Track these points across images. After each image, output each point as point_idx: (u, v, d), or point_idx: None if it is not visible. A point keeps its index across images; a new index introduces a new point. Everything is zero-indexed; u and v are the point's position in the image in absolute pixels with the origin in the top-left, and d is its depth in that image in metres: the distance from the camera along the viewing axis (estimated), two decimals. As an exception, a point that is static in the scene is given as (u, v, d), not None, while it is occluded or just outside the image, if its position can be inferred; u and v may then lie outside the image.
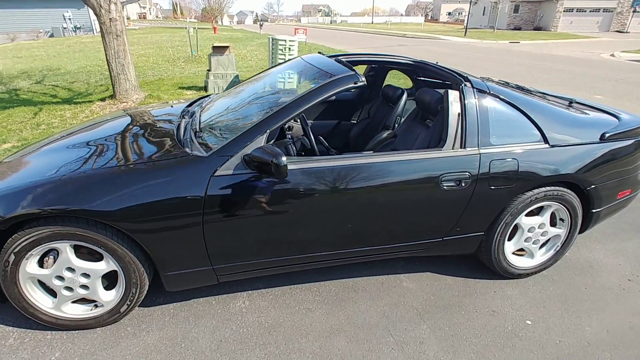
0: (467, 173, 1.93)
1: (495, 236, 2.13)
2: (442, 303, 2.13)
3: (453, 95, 2.01)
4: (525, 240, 2.25)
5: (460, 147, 1.95)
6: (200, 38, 19.52)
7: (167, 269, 1.83)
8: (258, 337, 1.89)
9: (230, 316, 2.03)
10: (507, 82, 2.56)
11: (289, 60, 2.82)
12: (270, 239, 1.87)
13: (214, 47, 7.24)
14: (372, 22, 66.89)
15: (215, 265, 1.88)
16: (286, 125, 3.28)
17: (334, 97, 3.40)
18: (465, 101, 1.99)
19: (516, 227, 2.21)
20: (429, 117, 2.41)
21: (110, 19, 5.19)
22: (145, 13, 50.52)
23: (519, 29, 35.08)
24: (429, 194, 1.93)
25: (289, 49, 6.62)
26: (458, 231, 2.09)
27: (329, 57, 2.45)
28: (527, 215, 2.18)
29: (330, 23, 67.33)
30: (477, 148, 1.96)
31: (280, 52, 6.67)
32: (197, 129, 2.07)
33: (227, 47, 7.30)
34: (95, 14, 5.13)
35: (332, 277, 2.32)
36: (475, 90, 2.03)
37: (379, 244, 2.04)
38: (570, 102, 2.48)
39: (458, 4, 69.27)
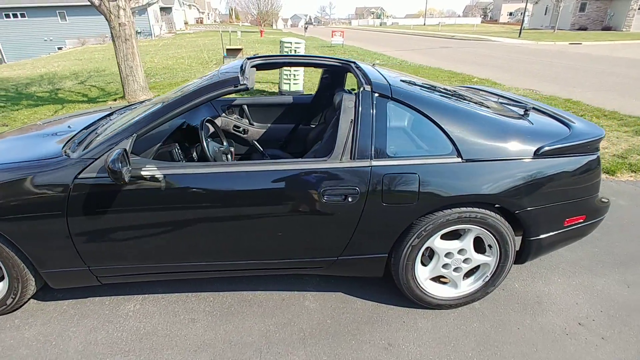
0: (355, 188, 1.72)
1: (402, 259, 1.88)
2: (335, 329, 1.93)
3: (348, 99, 1.81)
4: (443, 267, 1.97)
5: (350, 158, 1.74)
6: (247, 41, 20.23)
7: (43, 267, 1.84)
8: (126, 344, 1.84)
9: (113, 318, 1.99)
10: (433, 86, 2.22)
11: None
12: (140, 245, 1.80)
13: (228, 50, 7.41)
14: (424, 24, 64.93)
15: (92, 267, 1.86)
16: (240, 129, 3.23)
17: (291, 101, 3.30)
18: (361, 106, 1.78)
19: (433, 251, 1.94)
20: None
21: (119, 24, 5.48)
22: (202, 18, 53.43)
23: (585, 29, 32.01)
24: (310, 209, 1.75)
25: (295, 50, 6.56)
26: (354, 251, 1.88)
27: (249, 58, 2.34)
28: (443, 238, 1.91)
29: (380, 25, 66.42)
30: (369, 160, 1.74)
31: (286, 52, 6.64)
32: (96, 134, 2.05)
33: (240, 49, 7.44)
34: (106, 19, 5.45)
35: (234, 288, 2.21)
36: (375, 94, 1.81)
37: (262, 258, 1.89)
38: (526, 110, 2.12)
39: (520, 3, 65.03)
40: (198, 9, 56.19)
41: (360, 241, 1.84)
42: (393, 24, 73.16)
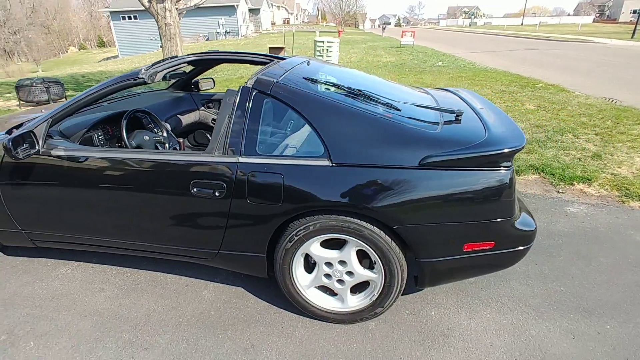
0: (222, 183, 1.73)
1: (278, 262, 1.83)
2: (213, 321, 1.95)
3: (229, 95, 1.81)
4: (325, 277, 1.86)
5: (222, 154, 1.75)
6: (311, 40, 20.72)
7: None
8: (40, 300, 2.10)
9: (45, 278, 2.28)
10: (338, 84, 2.04)
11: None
12: (54, 216, 2.05)
13: (270, 48, 7.72)
14: (522, 24, 59.06)
15: (25, 230, 2.16)
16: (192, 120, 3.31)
17: (212, 95, 3.26)
18: (238, 102, 1.77)
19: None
20: None
21: (165, 24, 6.09)
22: (289, 18, 55.81)
23: None
24: (183, 200, 1.80)
25: (327, 49, 6.56)
26: (231, 247, 1.88)
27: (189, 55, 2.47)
28: (324, 246, 1.81)
29: (469, 26, 62.06)
30: (237, 156, 1.73)
31: (318, 52, 6.67)
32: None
33: (282, 48, 7.68)
34: (155, 20, 6.09)
35: (152, 268, 2.35)
36: (255, 90, 1.78)
37: (155, 242, 2.00)
38: (458, 116, 1.87)
39: (649, -2, 55.59)
40: (287, 10, 58.84)
41: (235, 238, 1.84)
42: (485, 24, 67.92)
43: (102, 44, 46.05)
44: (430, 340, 1.84)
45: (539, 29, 36.62)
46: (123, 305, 2.06)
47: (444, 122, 1.82)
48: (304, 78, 1.95)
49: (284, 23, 48.01)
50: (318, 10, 63.91)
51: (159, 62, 2.11)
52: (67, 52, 43.72)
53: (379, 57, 14.39)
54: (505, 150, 1.56)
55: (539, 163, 3.82)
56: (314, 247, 1.79)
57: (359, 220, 1.66)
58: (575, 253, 2.48)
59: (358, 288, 1.89)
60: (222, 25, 31.30)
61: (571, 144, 4.33)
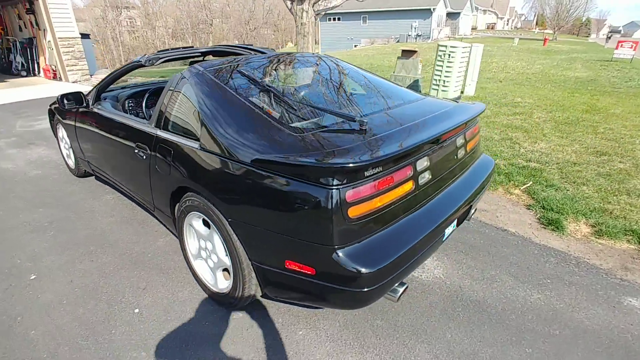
0: (146, 148, 2.12)
1: (177, 227, 2.11)
2: (140, 260, 2.40)
3: (172, 78, 2.13)
4: (203, 251, 2.03)
5: (152, 125, 2.13)
6: (505, 48, 18.48)
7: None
8: (80, 210, 3.02)
9: (96, 197, 3.23)
10: (268, 86, 2.05)
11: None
12: (91, 148, 2.91)
13: (403, 51, 7.56)
14: None
15: (86, 159, 3.13)
16: None
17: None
18: (170, 84, 2.08)
19: None
20: None
21: (301, 23, 6.84)
22: (494, 23, 50.83)
23: None
24: (132, 155, 2.29)
25: (449, 55, 5.96)
26: (158, 205, 2.25)
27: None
28: (205, 222, 1.97)
29: None
30: (157, 129, 2.08)
31: (439, 58, 6.13)
32: None
33: (415, 52, 7.42)
34: (294, 19, 6.92)
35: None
36: (182, 76, 2.03)
37: (126, 186, 2.60)
38: (362, 126, 1.68)
39: None
40: (497, 14, 53.84)
41: (157, 197, 2.21)
42: None
43: (315, 41, 53.67)
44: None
45: None
46: (114, 231, 2.75)
47: (333, 128, 1.69)
48: (239, 71, 2.11)
49: (487, 28, 44.25)
50: (534, 16, 55.81)
51: (164, 50, 2.63)
52: (285, 46, 52.84)
53: (568, 70, 11.84)
54: (330, 167, 1.36)
55: None
56: (195, 221, 1.97)
57: (213, 207, 1.76)
58: None
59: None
60: (415, 28, 31.50)
61: None
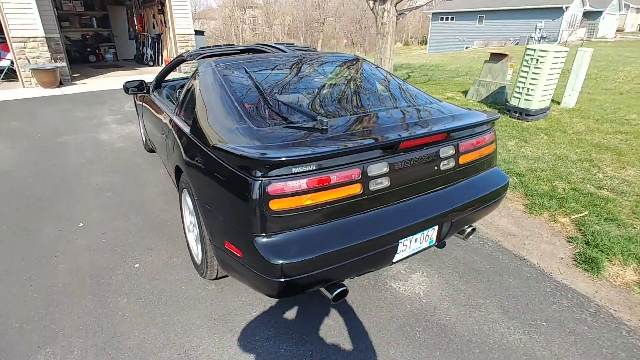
0: (167, 127, 2.47)
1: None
2: (158, 224, 2.79)
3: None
4: (191, 223, 2.28)
5: (174, 112, 2.47)
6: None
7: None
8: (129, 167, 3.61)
9: (157, 167, 3.81)
10: (258, 83, 2.15)
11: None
12: (148, 128, 3.43)
13: (492, 54, 6.92)
14: None
15: (148, 137, 3.71)
16: None
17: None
18: (190, 76, 2.38)
19: None
20: None
21: (382, 23, 6.74)
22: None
23: None
24: (159, 137, 2.68)
25: (537, 60, 5.21)
26: (173, 180, 2.60)
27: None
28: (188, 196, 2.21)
29: None
30: (174, 115, 2.41)
31: (525, 63, 5.40)
32: None
33: (505, 55, 6.73)
34: (375, 19, 6.85)
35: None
36: (197, 70, 2.30)
37: (162, 156, 3.02)
38: (323, 125, 1.73)
39: None
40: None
41: (170, 174, 2.55)
42: None
43: (424, 42, 51.67)
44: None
45: None
46: (152, 200, 3.24)
47: (295, 125, 1.77)
48: (243, 68, 2.29)
49: (639, 30, 36.91)
50: None
51: (207, 47, 2.96)
52: (394, 46, 52.15)
53: None
54: (256, 159, 1.44)
55: None
56: (187, 197, 2.23)
57: (190, 185, 1.99)
58: None
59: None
60: (540, 29, 27.94)
61: None
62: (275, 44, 3.27)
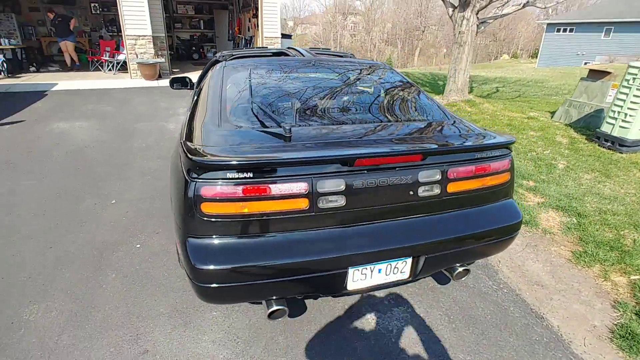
0: None
1: None
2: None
3: None
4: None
5: None
6: None
7: None
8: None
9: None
10: (251, 85, 2.12)
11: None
12: None
13: (590, 71, 5.92)
14: None
15: None
16: None
17: None
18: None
19: None
20: None
21: (460, 31, 6.22)
22: None
23: None
24: None
25: (635, 78, 4.24)
26: None
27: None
28: None
29: None
30: None
31: (624, 84, 4.43)
32: None
33: (608, 73, 5.70)
34: (453, 27, 6.35)
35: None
36: (222, 66, 2.37)
37: None
38: (287, 133, 1.65)
39: None
40: None
41: None
42: None
43: (535, 55, 46.59)
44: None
45: None
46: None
47: (264, 130, 1.74)
48: (248, 69, 2.32)
49: None
50: None
51: (239, 49, 3.06)
52: (499, 58, 48.05)
53: None
54: (193, 161, 1.42)
55: None
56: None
57: None
58: None
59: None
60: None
61: None
62: (310, 48, 3.25)
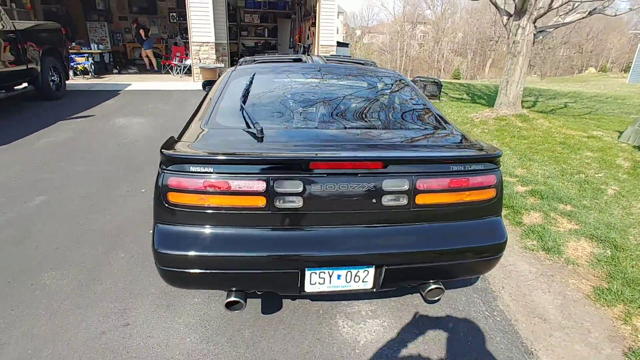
0: None
1: None
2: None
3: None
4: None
5: None
6: None
7: None
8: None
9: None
10: (248, 89, 2.18)
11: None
12: None
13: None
14: None
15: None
16: None
17: None
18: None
19: None
20: None
21: (514, 41, 5.80)
22: None
23: None
24: None
25: None
26: None
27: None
28: None
29: None
30: None
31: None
32: None
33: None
34: (507, 35, 5.93)
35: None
36: (231, 70, 2.53)
37: None
38: (259, 134, 1.74)
39: None
40: None
41: None
42: None
43: (627, 69, 41.42)
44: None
45: None
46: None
47: (243, 129, 1.84)
48: (254, 73, 2.43)
49: None
50: None
51: (261, 56, 3.21)
52: (583, 72, 43.62)
53: None
54: (164, 153, 1.56)
55: None
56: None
57: None
58: None
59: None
60: None
61: None
62: (331, 55, 3.31)
